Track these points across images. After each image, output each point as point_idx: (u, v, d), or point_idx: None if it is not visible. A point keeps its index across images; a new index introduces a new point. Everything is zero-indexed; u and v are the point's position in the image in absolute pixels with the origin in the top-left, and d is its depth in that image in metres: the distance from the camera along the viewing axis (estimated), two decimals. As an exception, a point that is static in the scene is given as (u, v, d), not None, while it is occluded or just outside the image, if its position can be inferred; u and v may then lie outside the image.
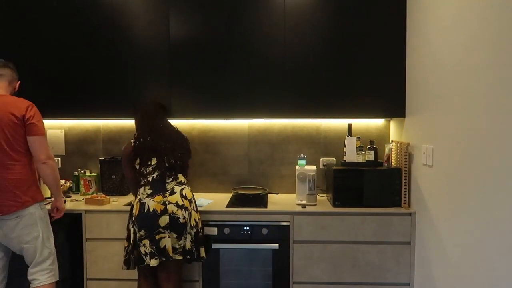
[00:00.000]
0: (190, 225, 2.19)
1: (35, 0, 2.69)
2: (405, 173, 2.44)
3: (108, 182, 2.88)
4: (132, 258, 2.18)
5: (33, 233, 2.10)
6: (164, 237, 2.11)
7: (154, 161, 2.22)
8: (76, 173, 2.93)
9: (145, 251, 2.10)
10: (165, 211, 2.12)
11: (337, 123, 2.90)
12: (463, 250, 1.81)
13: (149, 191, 2.17)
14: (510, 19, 1.47)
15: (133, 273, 2.42)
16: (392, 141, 2.69)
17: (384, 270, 2.35)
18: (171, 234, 2.12)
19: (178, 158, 2.27)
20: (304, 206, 2.48)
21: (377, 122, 2.90)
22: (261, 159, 2.95)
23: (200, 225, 2.27)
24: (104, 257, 2.45)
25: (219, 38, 2.62)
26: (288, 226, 2.38)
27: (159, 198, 2.14)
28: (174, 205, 2.14)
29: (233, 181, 2.95)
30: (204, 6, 2.63)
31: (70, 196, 2.81)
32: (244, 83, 2.62)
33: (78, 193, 2.89)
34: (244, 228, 2.39)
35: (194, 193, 2.90)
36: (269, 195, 2.81)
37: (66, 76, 2.69)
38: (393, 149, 2.62)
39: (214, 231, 2.39)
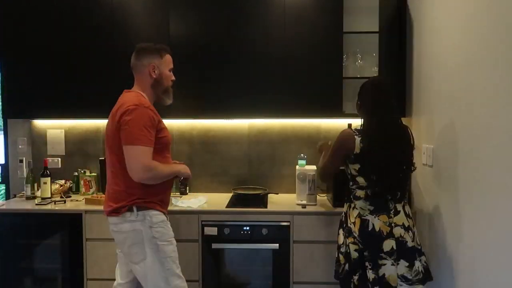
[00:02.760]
0: (418, 246, 1.88)
1: (36, 0, 2.68)
2: (405, 173, 2.43)
3: (108, 182, 2.88)
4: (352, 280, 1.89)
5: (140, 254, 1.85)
6: (386, 264, 1.81)
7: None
8: (76, 173, 2.93)
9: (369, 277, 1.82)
10: (391, 234, 1.82)
11: (337, 123, 2.89)
12: (463, 250, 1.81)
13: (371, 207, 1.86)
14: (509, 19, 1.47)
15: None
16: (392, 141, 2.69)
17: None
18: (400, 261, 1.82)
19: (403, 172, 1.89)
20: (304, 206, 2.48)
21: (377, 122, 2.89)
22: (261, 159, 2.94)
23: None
24: (104, 257, 2.44)
25: (219, 37, 2.62)
26: (288, 226, 2.38)
27: (384, 217, 1.84)
28: (401, 227, 1.83)
29: (233, 181, 2.94)
30: (204, 6, 2.63)
31: (70, 196, 2.81)
32: (244, 83, 2.62)
33: (78, 193, 2.89)
34: (244, 228, 2.39)
35: (194, 193, 2.91)
36: (269, 195, 2.80)
37: (66, 76, 2.69)
38: (393, 149, 2.61)
39: (214, 231, 2.39)
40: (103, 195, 2.66)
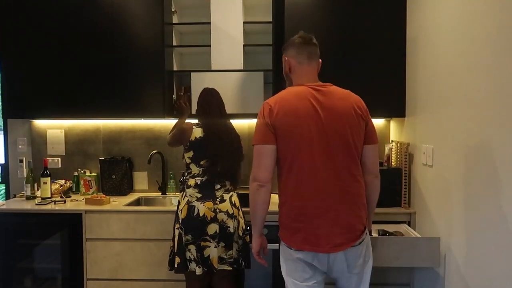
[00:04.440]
0: (238, 234, 2.16)
1: (36, 0, 2.68)
2: (405, 173, 2.43)
3: (108, 182, 2.88)
4: (177, 261, 2.12)
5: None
6: (209, 246, 2.08)
7: (204, 163, 2.16)
8: (76, 173, 2.93)
9: (189, 256, 2.08)
10: (215, 219, 2.08)
11: (337, 123, 2.89)
12: (463, 250, 1.81)
13: (198, 195, 2.13)
14: (509, 18, 1.47)
15: (133, 273, 2.42)
16: (392, 141, 2.69)
17: (384, 270, 2.34)
18: (220, 244, 2.09)
19: (231, 166, 2.22)
20: (304, 206, 2.48)
21: (377, 122, 2.89)
22: (261, 159, 2.94)
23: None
24: (104, 257, 2.44)
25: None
26: (288, 226, 2.37)
27: (209, 204, 2.11)
28: (225, 214, 2.11)
29: (233, 181, 2.94)
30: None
31: (70, 196, 2.81)
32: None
33: (78, 193, 2.89)
34: (244, 228, 2.39)
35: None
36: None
37: (66, 76, 2.69)
38: (393, 149, 2.61)
39: (214, 231, 2.39)
40: (103, 195, 2.68)
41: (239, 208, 2.20)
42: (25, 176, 2.83)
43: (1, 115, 3.47)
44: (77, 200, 2.69)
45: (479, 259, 1.67)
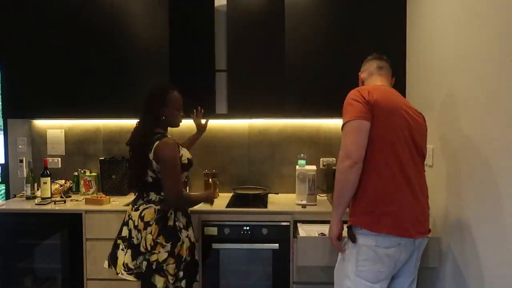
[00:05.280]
0: (145, 248, 1.91)
1: (36, 0, 2.69)
2: (405, 173, 2.43)
3: (108, 182, 2.88)
4: None
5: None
6: (119, 247, 1.99)
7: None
8: (76, 173, 2.93)
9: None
10: (127, 223, 1.99)
11: (337, 123, 2.90)
12: (463, 250, 1.81)
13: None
14: (510, 18, 1.47)
15: (133, 273, 2.42)
16: (392, 141, 2.69)
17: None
18: (128, 251, 1.95)
19: (136, 175, 1.98)
20: (304, 206, 2.48)
21: (377, 122, 2.89)
22: (261, 159, 2.94)
23: (159, 251, 1.90)
24: (104, 257, 2.42)
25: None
26: (288, 226, 2.38)
27: (129, 208, 2.03)
28: (132, 222, 1.96)
29: (233, 181, 2.94)
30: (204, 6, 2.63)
31: (70, 196, 2.81)
32: (244, 82, 2.62)
33: (78, 193, 2.89)
34: (244, 228, 2.39)
35: (191, 193, 2.91)
36: (269, 195, 2.80)
37: (66, 76, 2.69)
38: (393, 149, 2.61)
39: (214, 231, 2.39)
40: (103, 195, 2.68)
41: (150, 223, 1.91)
42: (25, 176, 2.83)
43: (1, 115, 3.47)
44: (77, 200, 2.69)
45: (479, 259, 1.67)
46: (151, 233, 1.91)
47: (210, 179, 2.75)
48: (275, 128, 2.93)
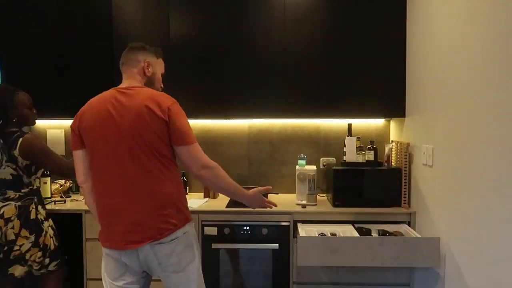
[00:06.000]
0: (3, 241, 2.05)
1: (36, 0, 2.69)
2: (405, 173, 2.44)
3: (108, 182, 2.88)
4: None
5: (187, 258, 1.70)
6: None
7: None
8: (76, 173, 2.92)
9: None
10: None
11: (337, 123, 2.90)
12: (463, 250, 1.81)
13: None
14: (509, 18, 1.47)
15: (133, 273, 2.42)
16: (392, 141, 2.69)
17: (384, 270, 2.34)
18: None
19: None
20: (304, 206, 2.48)
21: (377, 122, 2.90)
22: (261, 159, 2.94)
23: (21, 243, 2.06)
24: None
25: (219, 38, 2.62)
26: (288, 226, 2.38)
27: None
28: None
29: (233, 181, 2.94)
30: (204, 6, 2.63)
31: (70, 196, 2.81)
32: (244, 83, 2.62)
33: (78, 193, 2.89)
34: (244, 228, 2.39)
35: (194, 193, 2.91)
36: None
37: (66, 76, 2.69)
38: (393, 149, 2.62)
39: (214, 231, 2.39)
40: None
41: (12, 219, 2.04)
42: (25, 176, 2.83)
43: (1, 115, 3.46)
44: (77, 200, 2.69)
45: (479, 259, 1.67)
46: (12, 228, 2.05)
47: None
48: (275, 128, 2.93)
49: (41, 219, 2.15)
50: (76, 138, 1.67)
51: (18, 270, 2.10)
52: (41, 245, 2.12)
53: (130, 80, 1.74)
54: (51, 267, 2.17)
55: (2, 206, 2.06)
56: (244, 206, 2.44)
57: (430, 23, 2.19)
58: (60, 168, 2.17)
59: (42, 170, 2.22)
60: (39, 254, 2.12)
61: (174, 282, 1.68)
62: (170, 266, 1.64)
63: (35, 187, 2.18)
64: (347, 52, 2.57)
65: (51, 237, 2.18)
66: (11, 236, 2.04)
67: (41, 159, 2.11)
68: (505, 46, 1.49)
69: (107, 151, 1.60)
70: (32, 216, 2.11)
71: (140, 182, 1.59)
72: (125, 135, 1.58)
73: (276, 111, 2.62)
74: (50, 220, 2.23)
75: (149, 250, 1.61)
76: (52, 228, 2.22)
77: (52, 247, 2.18)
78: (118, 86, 1.72)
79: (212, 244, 2.39)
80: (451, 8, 1.95)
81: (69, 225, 2.50)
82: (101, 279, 2.44)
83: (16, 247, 2.05)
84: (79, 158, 1.68)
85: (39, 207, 2.17)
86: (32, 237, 2.08)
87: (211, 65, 2.63)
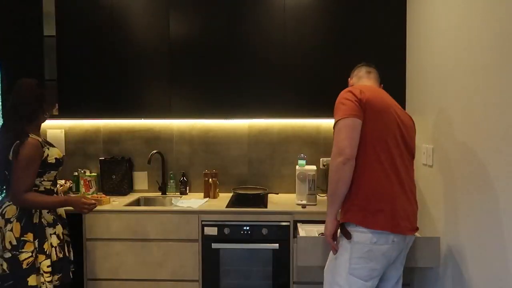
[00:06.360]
0: (4, 246, 1.91)
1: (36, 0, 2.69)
2: (405, 173, 2.43)
3: (108, 182, 2.88)
4: None
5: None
6: None
7: None
8: (76, 173, 2.93)
9: None
10: None
11: (337, 123, 2.90)
12: (463, 250, 1.81)
13: None
14: (510, 18, 1.47)
15: (133, 273, 2.42)
16: (392, 141, 2.69)
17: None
18: None
19: None
20: (304, 206, 2.48)
21: (377, 122, 2.90)
22: (261, 159, 2.95)
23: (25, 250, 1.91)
24: (104, 257, 2.44)
25: (219, 38, 2.63)
26: (288, 226, 2.38)
27: None
28: None
29: (233, 181, 2.94)
30: (204, 6, 2.63)
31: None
32: (244, 83, 2.62)
33: (78, 193, 2.89)
34: (244, 228, 2.39)
35: (194, 193, 2.91)
36: (269, 195, 2.80)
37: (65, 76, 2.69)
38: (393, 149, 2.61)
39: (214, 231, 2.39)
40: (103, 195, 2.68)
41: (11, 220, 1.93)
42: (25, 176, 2.83)
43: (1, 116, 3.46)
44: (77, 200, 2.69)
45: (479, 259, 1.67)
46: (11, 230, 1.92)
47: (210, 179, 2.75)
48: (275, 128, 2.93)
49: (44, 224, 2.00)
50: (359, 108, 1.65)
51: (34, 281, 1.91)
52: (47, 253, 1.97)
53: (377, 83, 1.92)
54: (54, 281, 2.00)
55: (6, 206, 1.96)
56: (244, 206, 2.46)
57: (430, 23, 2.19)
58: (12, 188, 1.92)
59: (54, 173, 2.07)
60: (47, 262, 1.96)
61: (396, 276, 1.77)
62: (404, 259, 1.77)
63: (42, 189, 2.01)
64: (347, 52, 2.57)
65: (53, 246, 2.00)
66: (11, 239, 1.91)
67: (13, 167, 1.92)
68: (505, 46, 1.49)
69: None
70: (35, 220, 1.97)
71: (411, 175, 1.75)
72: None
73: (276, 111, 2.62)
74: (58, 227, 2.05)
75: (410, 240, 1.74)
76: (58, 237, 2.03)
77: (54, 258, 2.00)
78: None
79: (212, 244, 2.39)
80: (451, 8, 1.95)
81: (69, 225, 2.51)
82: (101, 279, 2.46)
83: (27, 254, 1.91)
84: (359, 129, 1.65)
85: (44, 211, 2.01)
86: (36, 243, 1.95)
87: (211, 65, 2.64)
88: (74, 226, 2.47)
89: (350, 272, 1.62)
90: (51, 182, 2.07)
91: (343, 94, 1.69)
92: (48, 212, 2.02)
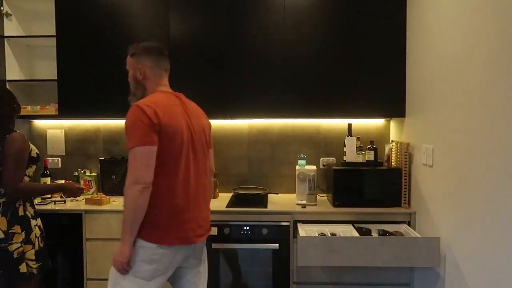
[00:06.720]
0: None
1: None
2: (405, 173, 2.44)
3: (108, 182, 2.88)
4: None
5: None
6: None
7: None
8: (76, 173, 2.93)
9: None
10: None
11: (337, 123, 2.90)
12: (463, 250, 1.81)
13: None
14: (510, 18, 1.47)
15: (133, 273, 2.42)
16: (392, 141, 2.69)
17: (384, 270, 2.34)
18: None
19: None
20: (304, 206, 2.48)
21: (377, 122, 2.90)
22: (261, 159, 2.94)
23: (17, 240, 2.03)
24: (104, 257, 2.44)
25: (219, 38, 2.62)
26: (288, 226, 2.38)
27: None
28: None
29: (233, 181, 2.94)
30: (204, 6, 2.63)
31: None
32: (244, 83, 2.62)
33: (78, 193, 2.89)
34: (244, 228, 2.39)
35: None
36: (269, 195, 2.81)
37: (65, 76, 2.69)
38: (393, 149, 2.62)
39: (214, 231, 2.39)
40: (103, 195, 2.68)
41: None
42: (25, 176, 2.83)
43: (1, 115, 3.46)
44: (77, 200, 2.69)
45: (479, 259, 1.67)
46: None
47: None
48: (275, 128, 2.93)
49: (29, 216, 2.11)
50: (154, 134, 1.62)
51: (24, 268, 2.05)
52: (33, 242, 2.10)
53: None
54: (34, 270, 2.11)
55: None
56: (244, 206, 2.45)
57: (430, 23, 2.19)
58: (6, 180, 2.00)
59: (34, 168, 2.18)
60: (33, 252, 2.09)
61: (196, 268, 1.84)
62: (201, 253, 1.85)
63: None
64: (347, 52, 2.57)
65: (36, 237, 2.13)
66: None
67: (5, 161, 2.00)
68: (506, 45, 1.49)
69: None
70: (20, 212, 2.07)
71: (206, 179, 1.83)
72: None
73: (276, 111, 2.62)
74: (38, 219, 2.19)
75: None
76: (40, 229, 2.17)
77: (37, 247, 2.12)
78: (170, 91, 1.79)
79: (212, 244, 2.39)
80: (451, 8, 1.95)
81: (69, 225, 2.51)
82: (101, 279, 2.46)
83: (16, 245, 2.02)
84: (155, 155, 1.65)
85: (27, 204, 2.12)
86: (23, 234, 2.06)
87: (211, 65, 2.63)
88: (74, 226, 2.47)
89: (134, 274, 1.62)
90: (30, 179, 2.19)
91: (136, 113, 1.58)
92: (30, 206, 2.15)
